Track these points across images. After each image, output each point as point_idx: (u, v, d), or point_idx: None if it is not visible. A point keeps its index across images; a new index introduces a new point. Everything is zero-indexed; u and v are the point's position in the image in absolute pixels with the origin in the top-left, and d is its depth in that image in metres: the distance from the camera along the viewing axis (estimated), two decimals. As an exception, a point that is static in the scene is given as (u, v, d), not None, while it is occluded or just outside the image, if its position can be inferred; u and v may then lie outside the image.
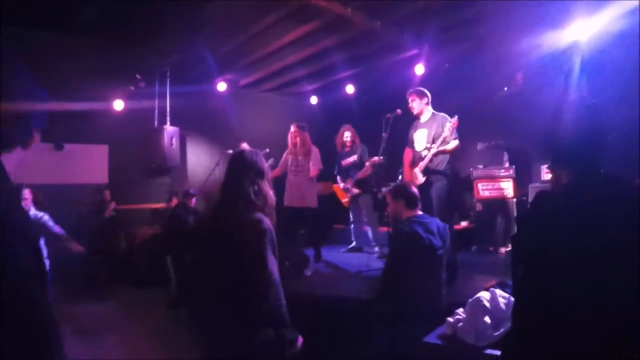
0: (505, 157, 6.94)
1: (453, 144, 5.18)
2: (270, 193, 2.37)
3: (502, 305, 2.90)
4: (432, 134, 5.29)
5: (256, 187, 2.31)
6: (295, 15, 6.35)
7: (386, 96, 7.82)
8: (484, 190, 6.90)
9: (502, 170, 6.75)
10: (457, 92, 6.80)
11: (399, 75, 8.21)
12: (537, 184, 6.32)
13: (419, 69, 7.55)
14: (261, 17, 6.50)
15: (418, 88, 5.51)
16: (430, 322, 3.14)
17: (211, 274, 2.31)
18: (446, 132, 5.10)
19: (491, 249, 6.65)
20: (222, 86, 8.87)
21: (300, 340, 2.30)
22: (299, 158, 6.26)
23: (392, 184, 7.04)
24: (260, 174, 2.36)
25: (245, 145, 7.15)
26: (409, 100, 5.47)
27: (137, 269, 7.45)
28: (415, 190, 3.80)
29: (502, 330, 2.80)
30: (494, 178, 6.82)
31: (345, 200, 7.12)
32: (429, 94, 5.46)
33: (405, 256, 3.46)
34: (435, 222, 3.66)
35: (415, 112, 5.47)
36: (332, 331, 3.52)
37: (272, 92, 10.18)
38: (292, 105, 10.49)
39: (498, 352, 2.63)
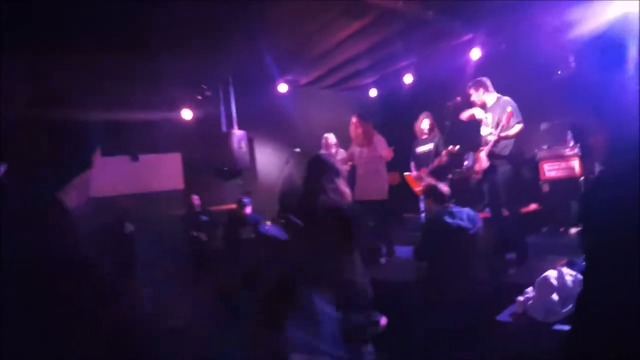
0: (569, 135, 6.87)
1: (516, 128, 5.23)
2: (347, 190, 2.62)
3: (570, 283, 3.03)
4: (496, 118, 5.36)
5: (334, 186, 2.55)
6: (348, 12, 6.50)
7: (447, 83, 7.83)
8: (550, 170, 6.87)
9: (568, 149, 6.70)
10: (515, 73, 6.75)
11: (456, 61, 8.24)
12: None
13: (475, 53, 7.60)
14: (316, 17, 6.71)
15: (475, 80, 5.60)
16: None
17: (301, 264, 2.54)
18: (504, 120, 5.17)
19: (562, 229, 6.61)
20: (283, 87, 9.17)
21: (383, 320, 2.54)
22: (365, 149, 6.40)
23: (458, 171, 7.14)
24: (337, 173, 2.61)
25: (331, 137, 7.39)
26: (473, 92, 5.57)
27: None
28: (444, 189, 4.41)
29: (569, 306, 2.93)
30: (559, 158, 6.79)
31: (418, 189, 6.99)
32: (486, 82, 5.53)
33: (432, 237, 4.09)
34: (465, 211, 4.25)
35: (477, 104, 5.58)
36: (408, 313, 3.71)
37: (331, 88, 10.42)
38: (351, 99, 10.65)
39: (567, 327, 2.76)
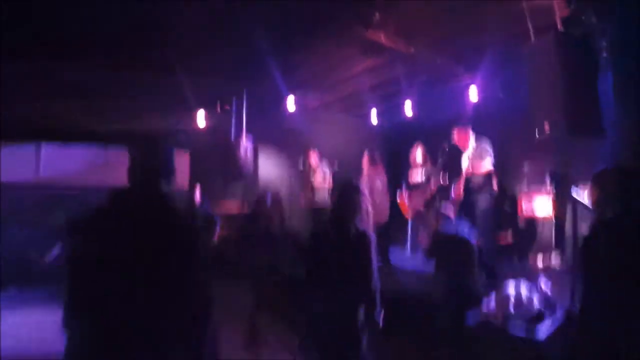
0: (548, 177, 7.57)
1: (487, 165, 6.19)
2: (371, 210, 3.33)
3: (525, 297, 3.77)
4: (471, 159, 6.26)
5: (364, 208, 3.24)
6: (366, 51, 7.12)
7: (444, 120, 8.55)
8: (527, 207, 7.58)
9: (544, 190, 7.41)
10: (506, 116, 7.42)
11: (454, 99, 9.01)
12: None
13: (473, 94, 8.32)
14: (337, 51, 7.37)
15: (461, 125, 6.40)
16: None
17: (329, 269, 3.19)
18: (483, 154, 6.02)
19: (531, 261, 7.26)
20: (291, 104, 9.75)
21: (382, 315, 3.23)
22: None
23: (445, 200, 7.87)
24: (361, 193, 3.30)
25: (315, 154, 8.17)
26: (456, 135, 6.39)
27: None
28: (448, 211, 5.31)
29: (523, 316, 3.67)
30: (536, 197, 7.48)
31: (408, 214, 7.86)
32: (469, 128, 6.47)
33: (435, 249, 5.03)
34: (466, 227, 5.13)
35: (460, 144, 6.37)
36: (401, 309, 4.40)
37: (336, 111, 11.09)
38: (353, 123, 11.30)
39: (521, 333, 3.56)
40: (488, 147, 6.26)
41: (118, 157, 10.06)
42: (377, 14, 5.52)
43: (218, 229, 6.88)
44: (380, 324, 3.19)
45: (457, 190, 6.24)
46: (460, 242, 4.88)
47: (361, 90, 9.23)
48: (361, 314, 3.11)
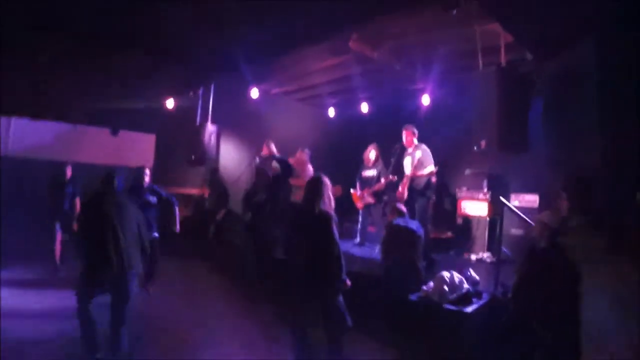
0: (485, 183, 8.49)
1: (429, 169, 6.99)
2: (332, 199, 4.17)
3: (456, 280, 4.62)
4: (414, 161, 7.02)
5: (325, 197, 4.11)
6: (332, 50, 7.81)
7: (394, 118, 9.26)
8: (465, 208, 8.48)
9: (481, 194, 8.31)
10: (454, 123, 8.14)
11: (407, 102, 9.83)
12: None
13: (425, 100, 9.14)
14: (302, 46, 7.78)
15: (409, 125, 7.24)
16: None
17: (302, 245, 4.27)
18: (423, 156, 7.04)
19: (466, 255, 8.15)
20: (255, 93, 10.07)
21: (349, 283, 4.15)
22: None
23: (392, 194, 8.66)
24: (327, 189, 4.34)
25: (272, 145, 8.82)
26: (403, 133, 7.18)
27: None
28: (401, 207, 6.19)
29: (455, 294, 4.49)
30: (474, 199, 8.38)
31: (359, 204, 8.59)
32: (414, 129, 7.27)
33: (390, 237, 5.84)
34: (415, 223, 6.01)
35: (406, 143, 7.17)
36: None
37: (296, 100, 11.63)
38: (312, 114, 11.95)
39: (452, 307, 4.59)
40: (426, 149, 7.12)
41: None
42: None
43: (177, 209, 7.47)
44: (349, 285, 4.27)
45: (402, 188, 7.05)
46: (410, 232, 5.74)
47: (320, 82, 9.84)
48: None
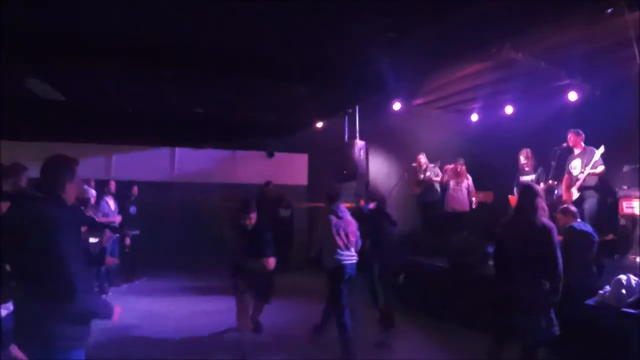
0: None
1: (600, 168, 7.01)
2: (546, 209, 4.35)
3: (633, 283, 4.65)
4: (584, 161, 6.97)
5: (541, 205, 4.26)
6: (476, 57, 7.81)
7: (540, 118, 9.25)
8: (627, 207, 8.10)
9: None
10: (607, 118, 7.71)
11: (554, 100, 9.48)
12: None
13: (572, 96, 8.77)
14: (445, 55, 7.87)
15: (576, 129, 7.20)
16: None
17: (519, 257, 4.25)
18: (596, 157, 6.90)
19: (631, 258, 7.78)
20: (397, 106, 10.17)
21: None
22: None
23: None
24: (539, 195, 4.35)
25: (423, 156, 9.14)
26: (569, 137, 7.16)
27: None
28: (575, 210, 6.05)
29: (633, 297, 4.55)
30: (636, 197, 8.02)
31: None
32: (582, 133, 7.15)
33: (569, 242, 5.64)
34: (589, 226, 5.93)
35: (573, 145, 7.16)
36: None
37: (438, 108, 11.64)
38: (455, 120, 11.91)
39: (631, 310, 4.50)
40: (595, 150, 7.12)
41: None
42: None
43: None
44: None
45: (570, 189, 7.17)
46: (587, 236, 5.79)
47: (463, 89, 9.89)
48: None
